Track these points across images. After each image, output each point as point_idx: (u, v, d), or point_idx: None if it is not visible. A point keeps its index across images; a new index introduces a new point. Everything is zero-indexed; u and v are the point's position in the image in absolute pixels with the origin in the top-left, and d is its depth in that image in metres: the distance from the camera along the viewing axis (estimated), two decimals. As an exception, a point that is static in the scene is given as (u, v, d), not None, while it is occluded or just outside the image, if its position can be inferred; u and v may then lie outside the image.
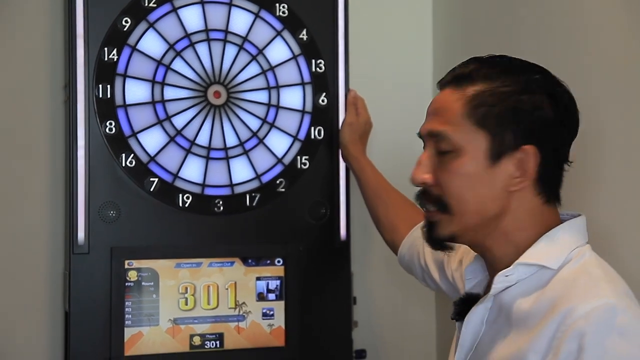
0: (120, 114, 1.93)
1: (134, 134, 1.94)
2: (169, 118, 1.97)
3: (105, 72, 1.92)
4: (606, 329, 1.07)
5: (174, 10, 2.00)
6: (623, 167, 1.66)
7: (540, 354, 1.11)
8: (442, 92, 1.27)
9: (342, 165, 2.10)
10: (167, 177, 1.96)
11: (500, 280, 1.22)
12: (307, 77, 2.10)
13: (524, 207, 1.24)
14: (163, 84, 1.97)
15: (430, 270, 1.70)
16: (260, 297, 2.00)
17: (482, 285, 1.35)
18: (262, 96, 2.06)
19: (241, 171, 2.03)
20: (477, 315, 1.27)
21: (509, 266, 1.22)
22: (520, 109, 1.20)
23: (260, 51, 2.06)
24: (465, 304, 1.32)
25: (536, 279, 1.20)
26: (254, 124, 2.05)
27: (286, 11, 2.08)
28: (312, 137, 2.09)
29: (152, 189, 1.94)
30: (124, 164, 1.92)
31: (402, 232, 1.83)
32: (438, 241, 1.28)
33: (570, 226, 1.24)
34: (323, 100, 2.10)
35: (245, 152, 2.04)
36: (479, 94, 1.21)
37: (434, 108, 1.27)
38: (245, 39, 2.05)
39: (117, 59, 1.94)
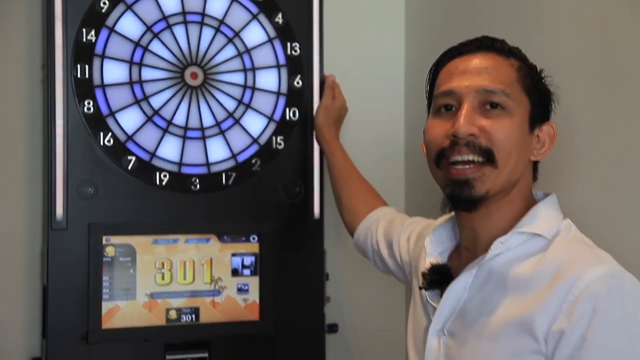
0: (98, 93, 1.98)
1: (112, 114, 1.99)
2: (146, 98, 2.02)
3: (83, 53, 1.97)
4: (618, 292, 1.13)
5: (152, -8, 2.04)
6: (595, 160, 1.71)
7: (549, 315, 1.15)
8: (484, 55, 1.30)
9: (316, 146, 2.15)
10: (145, 156, 2.01)
11: (497, 246, 1.26)
12: (282, 60, 2.15)
13: (527, 180, 1.33)
14: (140, 64, 2.02)
15: (380, 249, 1.79)
16: (235, 272, 2.05)
17: (446, 255, 1.41)
18: (238, 78, 2.11)
19: (217, 151, 2.08)
20: (461, 282, 1.30)
21: (499, 235, 1.27)
22: (549, 91, 1.34)
23: (237, 34, 2.11)
24: (437, 273, 1.36)
25: (529, 246, 1.25)
26: (230, 104, 2.10)
27: (262, -6, 2.13)
28: (287, 118, 2.14)
29: (129, 167, 1.99)
30: (102, 143, 1.97)
31: (362, 215, 1.92)
32: (473, 200, 1.26)
33: (551, 202, 1.32)
34: (298, 83, 2.15)
35: (222, 132, 2.09)
36: (523, 66, 1.31)
37: (483, 67, 1.29)
38: (221, 21, 2.10)
39: (95, 40, 1.98)
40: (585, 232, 1.31)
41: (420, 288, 1.39)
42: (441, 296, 1.33)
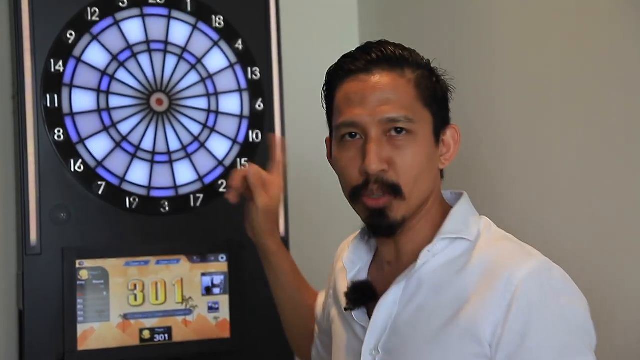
0: (68, 121, 2.04)
1: (82, 141, 2.05)
2: (114, 125, 2.08)
3: (52, 83, 2.03)
4: (549, 285, 1.14)
5: (116, 23, 2.11)
6: (525, 167, 1.83)
7: (490, 318, 1.14)
8: (380, 75, 1.24)
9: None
10: (114, 181, 2.07)
11: (425, 255, 1.23)
12: (243, 84, 2.23)
13: (438, 185, 1.31)
14: (108, 92, 2.08)
15: (319, 334, 1.59)
16: (207, 291, 2.11)
17: (365, 271, 1.36)
18: (202, 102, 2.18)
19: (184, 174, 2.15)
20: (390, 296, 1.25)
21: (423, 245, 1.24)
22: (447, 91, 1.30)
23: (199, 60, 2.19)
24: (359, 291, 1.31)
25: (454, 249, 1.24)
26: (195, 129, 2.17)
27: (222, 22, 2.21)
28: (251, 140, 2.22)
29: (100, 192, 2.05)
30: (72, 169, 2.03)
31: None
32: (391, 227, 1.25)
33: (466, 202, 1.31)
34: (260, 106, 2.23)
35: (188, 156, 2.16)
36: (419, 77, 1.26)
37: (381, 92, 1.23)
38: (184, 49, 2.17)
39: (64, 70, 2.04)
40: (527, 235, 1.32)
41: (345, 309, 1.32)
42: (368, 314, 1.29)
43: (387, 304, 1.25)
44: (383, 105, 1.22)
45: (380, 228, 1.26)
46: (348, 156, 1.26)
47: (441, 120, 1.28)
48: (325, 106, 1.34)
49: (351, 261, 1.37)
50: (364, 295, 1.30)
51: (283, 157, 1.66)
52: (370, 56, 1.26)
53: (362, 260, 1.37)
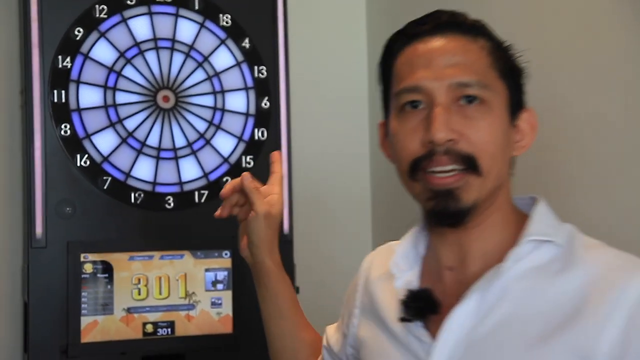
0: (75, 117, 2.06)
1: (88, 136, 2.08)
2: (120, 121, 2.11)
3: (59, 79, 2.05)
4: None
5: (124, 20, 2.14)
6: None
7: (607, 336, 0.95)
8: (448, 39, 1.08)
9: (284, 165, 2.25)
10: (120, 176, 2.10)
11: (512, 257, 1.04)
12: (250, 82, 2.25)
13: (508, 181, 1.12)
14: (115, 89, 2.11)
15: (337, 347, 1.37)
16: (212, 286, 2.13)
17: (415, 279, 1.15)
18: (208, 100, 2.20)
19: (190, 170, 2.18)
20: (464, 308, 1.05)
21: (492, 248, 1.08)
22: (522, 70, 1.13)
23: (206, 58, 2.21)
24: (420, 299, 1.10)
25: (539, 256, 1.05)
26: (201, 126, 2.19)
27: (229, 21, 2.23)
28: (256, 138, 2.24)
29: (105, 187, 2.08)
30: (78, 164, 2.06)
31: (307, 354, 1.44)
32: (461, 212, 1.06)
33: (546, 204, 1.12)
34: (265, 104, 2.25)
35: (193, 153, 2.18)
36: (493, 46, 1.10)
37: (450, 54, 1.07)
38: (191, 47, 2.20)
39: (71, 66, 2.07)
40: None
41: (402, 320, 1.10)
42: (426, 328, 1.08)
43: (460, 317, 1.05)
44: (452, 68, 1.05)
45: (446, 214, 1.06)
46: (409, 127, 1.08)
47: (517, 99, 1.11)
48: (381, 81, 1.15)
49: (400, 267, 1.16)
50: (426, 305, 1.09)
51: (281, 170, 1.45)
52: (440, 19, 1.10)
53: (412, 268, 1.16)
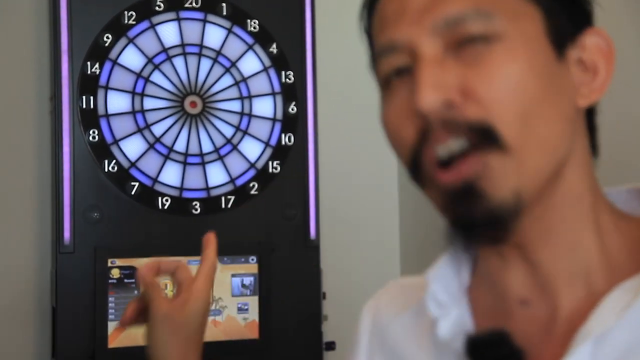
0: (103, 123, 2.08)
1: (116, 142, 2.09)
2: (148, 127, 2.12)
3: (88, 85, 2.07)
4: None
5: (152, 26, 2.14)
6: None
7: None
8: None
9: (311, 170, 2.24)
10: (147, 182, 2.11)
11: (623, 299, 0.65)
12: (277, 88, 2.25)
13: (583, 145, 0.72)
14: (142, 95, 2.12)
15: None
16: (239, 291, 2.13)
17: (467, 319, 0.74)
18: (235, 105, 2.21)
19: (216, 175, 2.18)
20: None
21: (585, 262, 0.70)
22: None
23: (233, 64, 2.21)
24: (497, 347, 0.68)
25: None
26: (228, 131, 2.19)
27: (257, 27, 2.23)
28: (283, 143, 2.24)
29: (133, 193, 2.08)
30: (106, 170, 2.07)
31: None
32: (497, 216, 0.65)
33: None
34: (293, 109, 2.25)
35: (220, 158, 2.18)
36: None
37: None
38: (219, 52, 2.20)
39: (100, 72, 2.08)
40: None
41: None
42: None
43: None
44: (434, 4, 0.67)
45: (474, 224, 0.66)
46: (397, 106, 0.70)
47: (569, 16, 0.69)
48: (371, 65, 0.81)
49: (442, 304, 0.75)
50: (511, 354, 0.68)
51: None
52: None
53: (458, 305, 0.75)
